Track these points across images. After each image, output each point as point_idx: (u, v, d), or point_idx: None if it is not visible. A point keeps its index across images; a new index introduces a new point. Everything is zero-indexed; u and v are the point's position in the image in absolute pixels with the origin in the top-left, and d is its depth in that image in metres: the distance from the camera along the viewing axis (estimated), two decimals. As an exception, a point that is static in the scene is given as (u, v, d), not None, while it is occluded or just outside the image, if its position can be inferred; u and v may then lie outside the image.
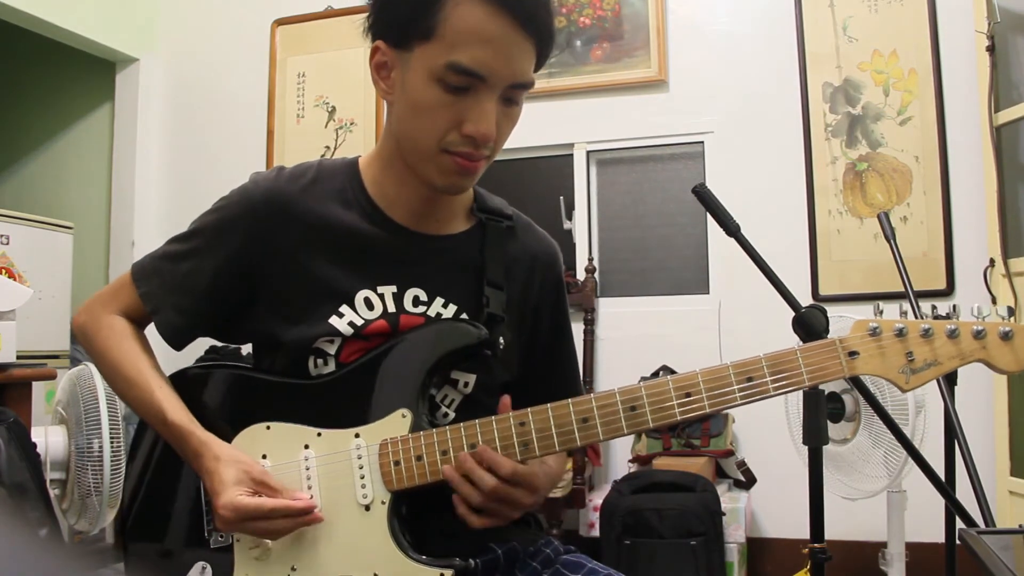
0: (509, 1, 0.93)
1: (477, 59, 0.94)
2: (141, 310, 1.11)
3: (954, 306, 0.98)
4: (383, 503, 0.98)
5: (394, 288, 1.06)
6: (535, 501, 1.00)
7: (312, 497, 1.00)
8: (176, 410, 1.04)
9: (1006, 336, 0.90)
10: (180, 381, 1.10)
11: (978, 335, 0.91)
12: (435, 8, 0.94)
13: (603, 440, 0.95)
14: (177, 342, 1.11)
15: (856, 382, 1.41)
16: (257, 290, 1.08)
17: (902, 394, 2.04)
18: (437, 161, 1.00)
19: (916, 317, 1.09)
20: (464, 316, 1.07)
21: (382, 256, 1.07)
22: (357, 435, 1.00)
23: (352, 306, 1.05)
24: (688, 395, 0.94)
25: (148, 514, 1.10)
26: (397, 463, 0.98)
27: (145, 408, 1.06)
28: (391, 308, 1.06)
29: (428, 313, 1.06)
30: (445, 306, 1.07)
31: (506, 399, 1.00)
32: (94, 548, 3.12)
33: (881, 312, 0.95)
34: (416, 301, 1.07)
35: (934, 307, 0.96)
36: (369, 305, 1.05)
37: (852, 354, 0.93)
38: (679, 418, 0.94)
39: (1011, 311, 0.92)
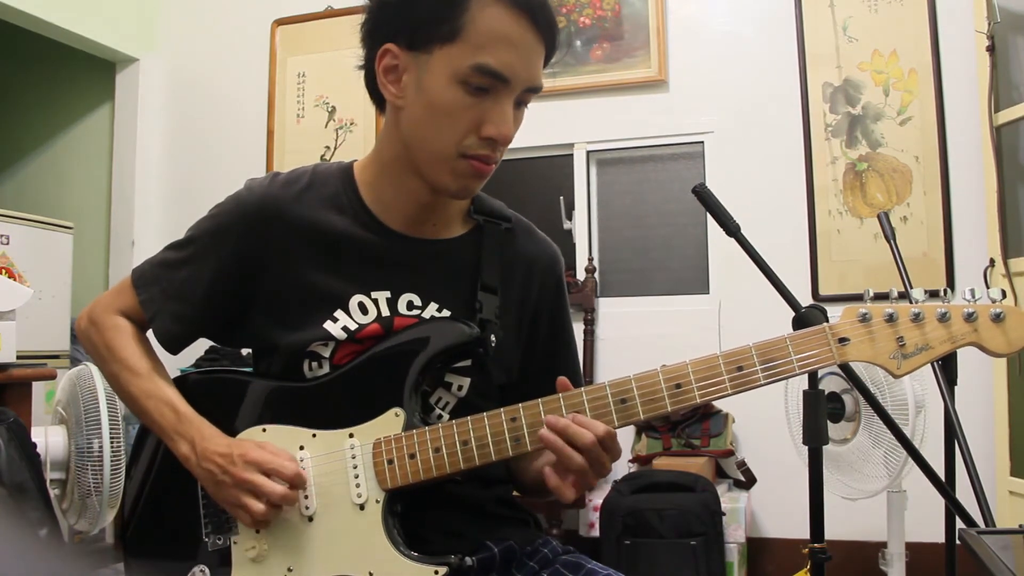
0: (531, 6, 0.97)
1: (503, 61, 0.96)
2: (142, 315, 1.13)
3: (945, 290, 0.95)
4: (377, 502, 0.98)
5: (388, 293, 1.06)
6: (610, 469, 0.98)
7: (308, 498, 1.00)
8: (184, 401, 1.07)
9: (997, 318, 0.89)
10: (179, 386, 1.11)
11: (969, 318, 0.89)
12: (460, 10, 0.96)
13: None
14: (173, 348, 1.13)
15: (855, 380, 1.42)
16: (252, 296, 1.08)
17: (902, 393, 2.04)
18: (453, 165, 1.00)
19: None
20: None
21: (376, 261, 1.07)
22: (351, 435, 1.01)
23: (346, 311, 1.05)
24: (678, 386, 0.93)
25: (148, 518, 1.11)
26: (391, 462, 0.98)
27: (153, 398, 1.07)
28: (385, 312, 1.06)
29: (422, 316, 1.06)
30: (439, 310, 1.07)
31: (563, 379, 0.98)
32: (94, 548, 3.12)
33: (872, 299, 0.93)
34: (410, 305, 1.07)
35: (926, 292, 0.94)
36: (363, 310, 1.06)
37: (842, 340, 0.92)
38: (669, 409, 0.94)
39: (1004, 293, 0.89)
